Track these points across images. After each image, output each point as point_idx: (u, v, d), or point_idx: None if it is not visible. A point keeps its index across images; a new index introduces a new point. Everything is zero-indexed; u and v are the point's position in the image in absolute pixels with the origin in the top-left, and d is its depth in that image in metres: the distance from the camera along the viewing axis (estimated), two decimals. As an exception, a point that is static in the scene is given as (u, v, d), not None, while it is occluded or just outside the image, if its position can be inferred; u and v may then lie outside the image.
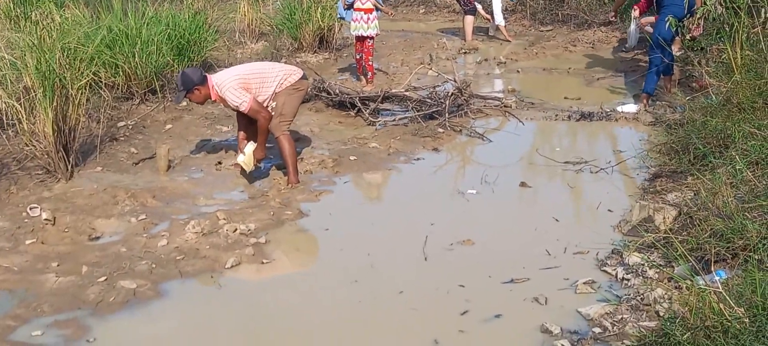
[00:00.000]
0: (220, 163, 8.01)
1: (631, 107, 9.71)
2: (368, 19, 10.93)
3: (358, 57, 11.32)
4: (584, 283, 5.40)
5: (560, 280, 5.50)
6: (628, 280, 5.40)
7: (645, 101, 9.69)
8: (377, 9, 11.03)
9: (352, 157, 8.12)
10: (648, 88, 9.71)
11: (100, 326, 5.06)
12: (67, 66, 7.49)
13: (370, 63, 11.17)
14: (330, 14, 12.88)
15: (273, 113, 7.35)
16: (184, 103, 9.35)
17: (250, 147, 7.38)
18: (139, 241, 6.25)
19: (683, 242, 5.27)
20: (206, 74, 7.31)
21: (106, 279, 5.62)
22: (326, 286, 5.54)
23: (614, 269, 5.58)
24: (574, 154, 8.20)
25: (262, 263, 5.91)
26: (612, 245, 5.96)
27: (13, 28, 9.65)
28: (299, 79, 7.51)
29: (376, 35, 11.19)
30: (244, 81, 7.26)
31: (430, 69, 11.55)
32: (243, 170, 7.48)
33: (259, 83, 7.33)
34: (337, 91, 9.90)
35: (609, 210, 6.70)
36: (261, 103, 7.26)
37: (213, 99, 7.29)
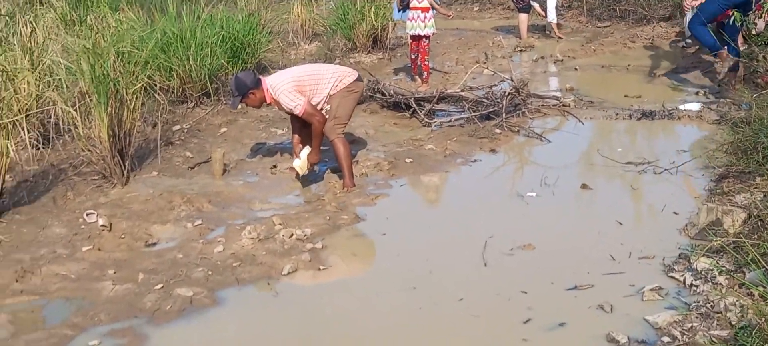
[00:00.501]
0: (275, 166, 7.98)
1: (694, 105, 9.48)
2: (425, 17, 10.84)
3: (413, 57, 11.23)
4: (651, 289, 5.23)
5: (625, 286, 5.34)
6: (696, 286, 5.22)
7: (723, 56, 9.83)
8: (433, 8, 10.92)
9: (407, 160, 8.03)
10: (714, 47, 9.85)
11: (156, 335, 5.02)
12: (121, 70, 7.49)
13: (426, 63, 11.08)
14: (384, 14, 12.81)
15: (327, 116, 7.29)
16: (240, 107, 9.34)
17: (305, 152, 7.33)
18: (195, 247, 6.22)
19: (755, 246, 5.08)
20: (260, 77, 7.29)
21: (162, 287, 5.59)
22: (384, 292, 5.45)
23: (682, 275, 5.40)
24: (635, 155, 8.02)
25: (319, 269, 5.84)
26: (679, 250, 5.79)
27: (69, 32, 9.71)
28: (354, 80, 7.44)
29: (433, 34, 11.09)
30: (299, 83, 7.22)
31: (486, 68, 11.41)
32: (298, 174, 7.43)
33: (314, 85, 7.28)
34: (392, 92, 9.82)
35: (674, 213, 6.52)
36: (315, 106, 7.21)
37: (268, 102, 7.26)
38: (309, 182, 7.53)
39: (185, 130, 8.98)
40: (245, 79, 7.18)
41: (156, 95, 8.93)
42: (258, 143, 8.65)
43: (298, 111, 7.13)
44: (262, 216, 6.79)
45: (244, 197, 7.26)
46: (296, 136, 7.59)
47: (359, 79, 7.56)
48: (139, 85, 7.68)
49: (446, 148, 8.37)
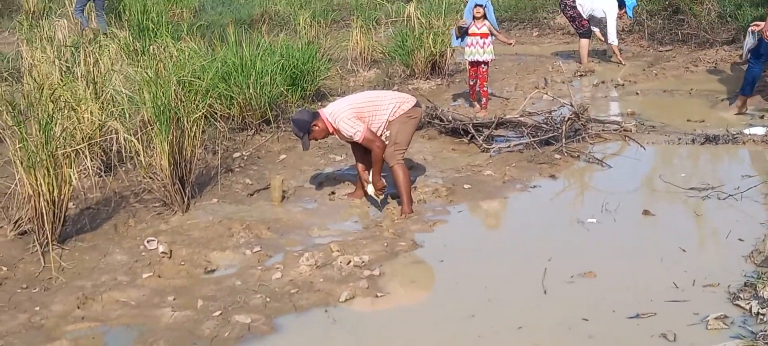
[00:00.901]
0: (333, 193, 7.99)
1: (759, 129, 9.29)
2: (484, 43, 10.80)
3: (471, 83, 11.19)
4: (716, 318, 5.10)
5: (689, 315, 5.22)
6: (763, 315, 5.09)
7: (740, 103, 10.11)
8: (492, 34, 10.88)
9: (466, 186, 7.99)
10: (746, 90, 10.22)
11: (214, 362, 5.03)
12: (182, 99, 7.58)
13: (485, 89, 11.02)
14: (442, 40, 12.79)
15: (387, 142, 7.29)
16: (321, 158, 9.30)
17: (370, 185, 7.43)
18: (254, 274, 6.24)
19: (824, 275, 4.93)
20: (317, 110, 7.38)
21: (221, 313, 5.61)
22: (443, 320, 5.40)
23: (748, 303, 5.26)
24: (699, 180, 7.87)
25: (377, 296, 5.82)
26: (744, 277, 5.66)
27: (132, 62, 9.86)
28: (412, 106, 7.44)
29: (492, 60, 11.04)
30: (358, 110, 7.24)
31: (545, 93, 11.32)
32: (375, 200, 7.52)
33: (372, 112, 7.29)
34: (450, 118, 9.79)
35: (739, 239, 6.38)
36: (374, 133, 7.22)
37: (331, 132, 7.30)
38: (367, 207, 7.53)
39: (245, 158, 9.04)
40: (301, 116, 7.29)
41: (216, 123, 9.01)
42: (317, 170, 8.68)
43: (358, 138, 7.15)
44: (320, 243, 6.79)
45: (302, 224, 7.27)
46: (360, 164, 7.59)
47: (418, 105, 7.55)
48: (200, 113, 7.74)
49: (505, 174, 8.31)
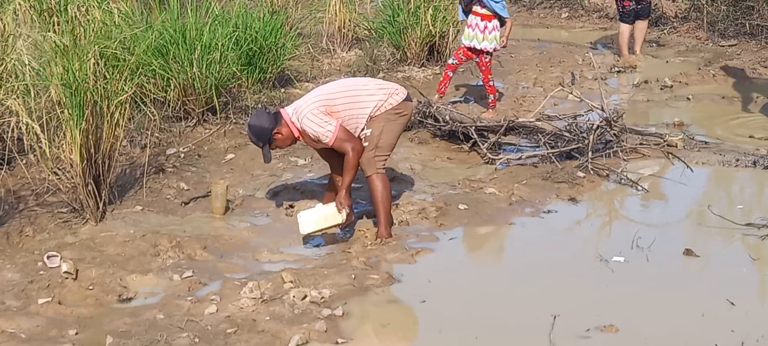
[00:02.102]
0: (292, 206, 7.99)
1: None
2: (485, 28, 10.71)
3: (452, 63, 11.09)
4: (767, 394, 5.10)
5: (734, 387, 5.22)
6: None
7: None
8: (499, 19, 10.74)
9: (461, 206, 7.98)
10: None
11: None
12: (104, 76, 7.53)
13: (491, 83, 10.98)
14: (444, 17, 12.76)
15: (366, 145, 7.28)
16: (277, 159, 9.24)
17: (318, 211, 7.27)
18: (182, 306, 6.23)
19: None
20: (279, 110, 7.39)
21: (134, 355, 5.59)
22: (418, 379, 5.40)
23: (809, 376, 5.26)
24: (760, 214, 7.88)
25: (337, 343, 5.80)
26: (808, 341, 5.66)
27: (42, 26, 9.78)
28: (402, 100, 7.41)
29: (495, 50, 10.96)
30: (329, 103, 7.21)
31: (571, 92, 11.31)
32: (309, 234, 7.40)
33: (349, 105, 7.27)
34: (448, 117, 9.79)
35: (805, 293, 6.40)
36: (350, 133, 7.20)
37: (297, 136, 7.32)
38: (330, 233, 7.52)
39: (181, 156, 9.03)
40: (260, 121, 7.27)
41: (147, 110, 8.96)
42: (272, 176, 8.67)
43: (327, 139, 7.11)
44: (270, 270, 6.79)
45: (248, 244, 7.26)
46: (337, 175, 7.58)
47: (408, 98, 7.54)
48: (126, 95, 7.70)
49: (512, 193, 8.31)
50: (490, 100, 11.03)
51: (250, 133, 7.35)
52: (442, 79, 11.23)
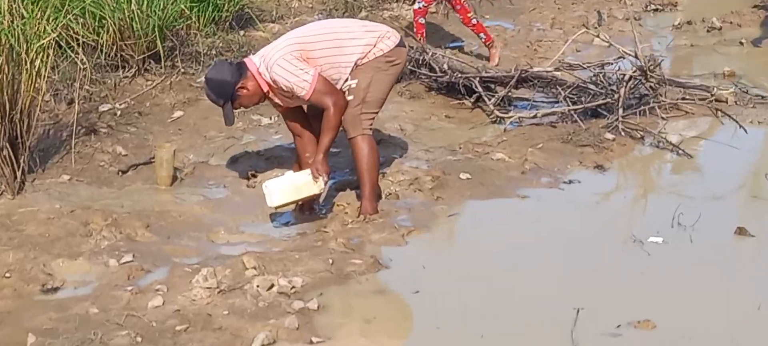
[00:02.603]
0: (254, 175, 8.01)
1: None
2: None
3: (419, 6, 11.07)
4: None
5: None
6: None
7: None
8: None
9: (463, 176, 8.01)
10: None
11: None
12: (21, 15, 7.49)
13: (473, 21, 11.01)
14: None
15: (350, 99, 7.29)
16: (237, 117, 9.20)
17: (288, 180, 7.27)
18: (120, 297, 6.20)
19: None
20: (243, 60, 7.36)
21: (62, 358, 5.60)
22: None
23: None
24: (828, 186, 7.94)
25: (311, 342, 5.81)
26: None
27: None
28: (395, 46, 7.41)
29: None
30: (305, 48, 7.19)
31: (598, 35, 11.31)
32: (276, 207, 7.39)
33: (330, 51, 7.26)
34: (446, 66, 9.80)
35: None
36: (332, 85, 7.19)
37: (265, 90, 7.28)
38: (300, 208, 7.53)
39: (117, 113, 9.03)
40: (220, 74, 7.22)
41: (74, 57, 8.94)
42: (230, 138, 8.68)
43: (303, 91, 7.08)
44: (228, 253, 6.79)
45: (201, 222, 7.27)
46: (300, 140, 7.58)
47: (402, 43, 7.54)
48: (49, 38, 7.66)
49: (526, 159, 8.35)
50: (484, 40, 11.01)
51: (207, 88, 7.30)
52: (415, 29, 11.20)
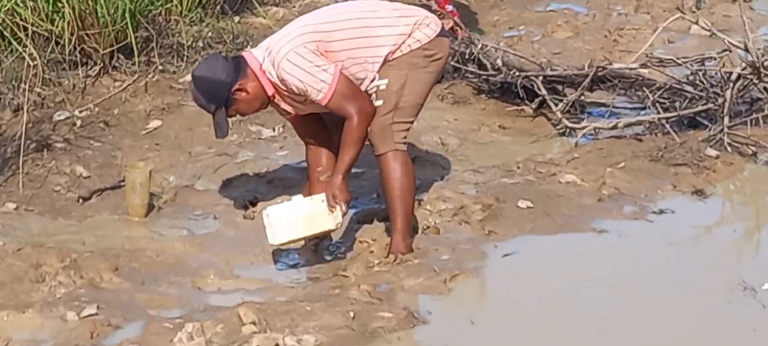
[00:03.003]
0: (253, 203, 8.03)
1: None
2: None
3: None
4: None
5: None
6: None
7: None
8: None
9: (522, 204, 8.01)
10: None
11: None
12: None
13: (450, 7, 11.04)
14: None
15: (379, 105, 7.29)
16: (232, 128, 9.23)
17: (296, 209, 7.26)
18: (80, 363, 6.23)
19: None
20: (242, 54, 7.36)
21: None
22: None
23: None
24: None
25: None
26: None
27: None
28: (435, 36, 7.40)
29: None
30: (322, 38, 7.16)
31: (696, 22, 11.30)
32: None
33: (354, 42, 7.25)
34: (500, 62, 9.79)
35: None
36: (356, 86, 7.19)
37: (270, 94, 7.26)
38: (315, 243, 7.56)
39: (78, 123, 9.07)
40: (213, 71, 7.18)
41: (23, 50, 8.96)
42: (222, 155, 8.71)
43: (321, 94, 7.05)
44: (219, 304, 6.79)
45: (184, 263, 7.28)
46: (312, 153, 7.60)
47: (444, 32, 7.55)
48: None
49: (603, 182, 8.35)
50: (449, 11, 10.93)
51: (195, 90, 7.26)
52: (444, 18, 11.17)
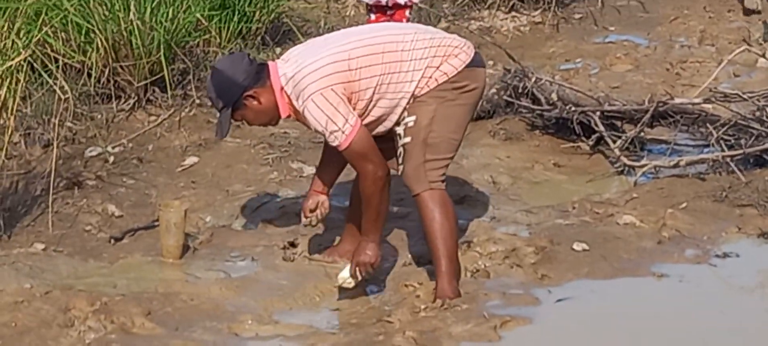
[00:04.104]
0: (293, 245, 8.00)
1: None
2: None
3: None
4: None
5: None
6: None
7: None
8: None
9: (577, 246, 7.98)
10: None
11: None
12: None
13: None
14: None
15: (407, 142, 7.25)
16: (272, 167, 9.24)
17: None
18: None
19: None
20: (266, 63, 7.31)
21: None
22: None
23: None
24: None
25: None
26: None
27: None
28: (466, 65, 7.32)
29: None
30: (349, 78, 7.12)
31: (764, 55, 11.24)
32: (340, 288, 7.45)
33: (383, 80, 7.21)
34: (555, 96, 9.75)
35: None
36: (372, 141, 7.16)
37: (283, 115, 7.26)
38: (367, 282, 7.51)
39: (110, 160, 9.09)
40: (231, 68, 7.18)
41: (54, 82, 8.97)
42: (261, 193, 8.69)
43: (336, 142, 7.03)
44: (259, 351, 6.77)
45: (221, 308, 7.26)
46: (322, 177, 7.61)
47: (478, 61, 7.46)
48: (20, 58, 7.70)
49: (664, 223, 8.31)
50: None
51: (210, 81, 7.27)
52: None
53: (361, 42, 7.33)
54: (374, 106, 7.18)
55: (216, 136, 7.33)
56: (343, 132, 6.97)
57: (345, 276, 7.26)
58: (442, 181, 7.30)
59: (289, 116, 7.28)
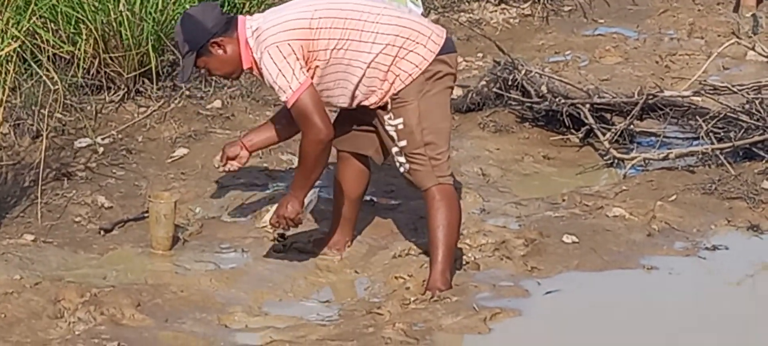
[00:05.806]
0: (283, 236, 7.97)
1: None
2: None
3: None
4: None
5: None
6: None
7: None
8: None
9: (567, 239, 8.00)
10: None
11: None
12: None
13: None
14: None
15: (403, 145, 7.28)
16: (262, 158, 9.24)
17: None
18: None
19: None
20: (238, 17, 7.36)
21: None
22: None
23: None
24: None
25: None
26: None
27: None
28: (440, 54, 7.30)
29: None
30: (307, 36, 7.14)
31: (753, 47, 11.27)
32: (278, 237, 7.62)
33: (340, 45, 7.23)
34: (544, 88, 9.78)
35: None
36: (321, 102, 7.18)
37: (246, 67, 7.32)
38: (360, 272, 7.57)
39: (100, 151, 9.11)
40: (204, 14, 7.24)
41: (43, 73, 8.98)
42: (251, 184, 8.73)
43: (284, 97, 7.07)
44: (247, 343, 6.81)
45: (211, 299, 7.26)
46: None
47: (449, 47, 7.45)
48: (8, 49, 7.71)
49: (653, 216, 8.34)
50: None
51: (180, 26, 7.32)
52: None
53: (328, 4, 7.35)
54: (328, 68, 7.21)
55: (178, 80, 7.41)
56: (290, 87, 7.02)
57: (265, 223, 7.40)
58: (450, 174, 7.38)
59: (250, 69, 7.33)
